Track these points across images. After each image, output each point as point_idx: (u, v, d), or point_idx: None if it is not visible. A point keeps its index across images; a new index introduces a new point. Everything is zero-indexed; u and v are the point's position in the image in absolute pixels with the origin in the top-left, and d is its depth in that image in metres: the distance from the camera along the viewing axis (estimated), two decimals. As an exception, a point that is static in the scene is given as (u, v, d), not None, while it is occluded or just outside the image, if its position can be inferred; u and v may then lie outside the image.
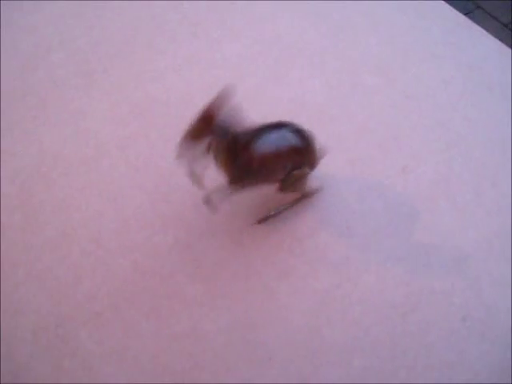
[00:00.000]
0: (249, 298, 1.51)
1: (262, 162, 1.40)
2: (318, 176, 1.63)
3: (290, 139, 1.41)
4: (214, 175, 1.45)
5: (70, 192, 1.72)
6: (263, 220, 1.58)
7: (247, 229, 1.59)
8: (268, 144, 1.39)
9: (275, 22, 2.02)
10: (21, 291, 1.59)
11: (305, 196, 1.59)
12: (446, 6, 2.05)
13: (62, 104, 1.87)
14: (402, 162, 1.69)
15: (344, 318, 1.47)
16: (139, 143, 1.78)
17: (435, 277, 1.51)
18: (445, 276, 1.51)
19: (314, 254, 1.56)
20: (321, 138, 1.56)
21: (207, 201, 1.51)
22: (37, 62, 1.95)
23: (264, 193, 1.56)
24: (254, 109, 1.79)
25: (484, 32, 2.03)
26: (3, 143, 1.81)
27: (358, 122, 1.77)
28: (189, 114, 1.76)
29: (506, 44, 1.98)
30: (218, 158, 1.40)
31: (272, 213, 1.58)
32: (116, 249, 1.62)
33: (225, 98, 1.28)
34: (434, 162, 1.68)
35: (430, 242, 1.56)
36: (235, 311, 1.50)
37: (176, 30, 1.98)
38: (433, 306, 1.47)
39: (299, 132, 1.44)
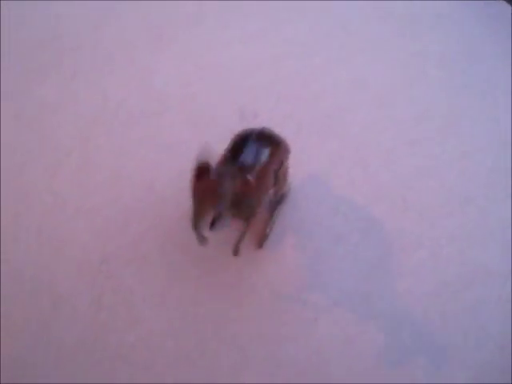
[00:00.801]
0: (300, 257, 1.49)
1: (258, 181, 1.35)
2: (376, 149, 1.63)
3: (263, 145, 1.38)
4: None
5: (129, 141, 1.74)
6: (263, 240, 1.53)
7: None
8: (250, 163, 1.35)
9: (342, 10, 2.05)
10: (69, 226, 1.59)
11: (280, 200, 1.56)
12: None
13: (130, 60, 1.91)
14: (461, 147, 1.68)
15: (394, 289, 1.44)
16: (200, 102, 1.80)
17: (490, 259, 1.48)
18: (501, 259, 1.47)
19: (367, 223, 1.54)
20: (380, 121, 1.58)
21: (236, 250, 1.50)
22: (108, 20, 2.01)
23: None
24: (315, 89, 1.83)
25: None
26: (67, 89, 1.85)
27: (417, 109, 1.77)
28: (250, 83, 1.81)
29: None
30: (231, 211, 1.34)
31: (268, 230, 1.54)
32: (168, 198, 1.62)
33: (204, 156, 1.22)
34: (494, 150, 1.67)
35: (485, 225, 1.53)
36: (286, 270, 1.48)
37: (245, 6, 2.03)
38: (487, 288, 1.43)
39: (264, 135, 1.41)
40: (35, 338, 1.42)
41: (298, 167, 1.57)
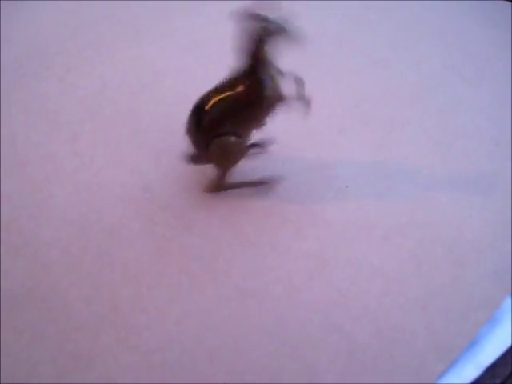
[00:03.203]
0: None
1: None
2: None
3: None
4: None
5: (136, 107, 1.93)
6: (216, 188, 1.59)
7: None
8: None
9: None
10: (102, 173, 1.71)
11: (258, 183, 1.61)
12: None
13: (120, 44, 2.14)
14: (494, 136, 1.79)
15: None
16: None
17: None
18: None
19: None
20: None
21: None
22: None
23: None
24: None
25: None
26: (70, 75, 2.04)
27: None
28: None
29: None
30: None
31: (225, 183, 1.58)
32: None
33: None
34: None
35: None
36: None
37: None
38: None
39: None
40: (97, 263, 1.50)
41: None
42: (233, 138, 1.43)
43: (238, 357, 1.32)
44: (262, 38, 1.34)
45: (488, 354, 1.29)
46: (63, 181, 1.72)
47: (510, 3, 2.28)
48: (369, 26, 2.16)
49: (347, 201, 1.59)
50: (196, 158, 1.55)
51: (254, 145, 1.60)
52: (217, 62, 1.99)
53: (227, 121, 1.43)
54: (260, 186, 1.61)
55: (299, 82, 1.45)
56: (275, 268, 1.46)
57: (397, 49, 2.04)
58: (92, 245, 1.55)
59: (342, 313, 1.39)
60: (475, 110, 1.87)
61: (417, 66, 1.97)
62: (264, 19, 1.33)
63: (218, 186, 1.59)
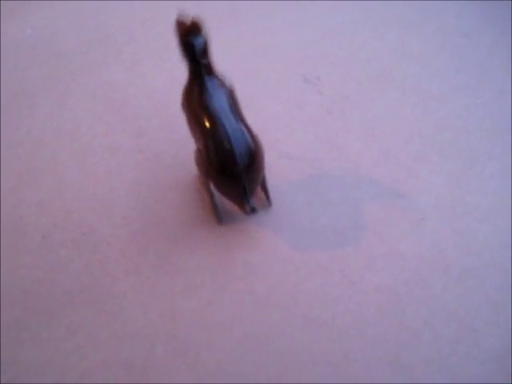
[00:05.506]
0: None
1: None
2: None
3: None
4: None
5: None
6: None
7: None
8: None
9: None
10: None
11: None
12: None
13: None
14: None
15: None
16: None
17: None
18: None
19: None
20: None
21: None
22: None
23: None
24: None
25: None
26: (138, 66, 1.97)
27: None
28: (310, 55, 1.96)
29: None
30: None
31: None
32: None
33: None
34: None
35: None
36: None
37: None
38: None
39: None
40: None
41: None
42: None
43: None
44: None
45: None
46: (125, 176, 1.67)
47: None
48: (453, 48, 2.05)
49: (423, 235, 1.50)
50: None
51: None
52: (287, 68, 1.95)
53: None
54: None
55: None
56: (345, 298, 1.38)
57: (479, 76, 1.94)
58: (153, 248, 1.49)
59: (413, 355, 1.30)
60: None
61: (500, 96, 1.86)
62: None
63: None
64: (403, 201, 1.58)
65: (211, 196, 1.50)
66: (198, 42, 1.38)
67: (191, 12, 1.43)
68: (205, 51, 1.40)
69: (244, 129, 1.38)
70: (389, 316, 1.36)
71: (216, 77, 1.44)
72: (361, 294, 1.39)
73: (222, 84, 1.43)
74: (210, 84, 1.41)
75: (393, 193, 1.60)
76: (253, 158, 1.37)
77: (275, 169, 1.64)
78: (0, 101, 1.92)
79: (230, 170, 1.34)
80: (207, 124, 1.37)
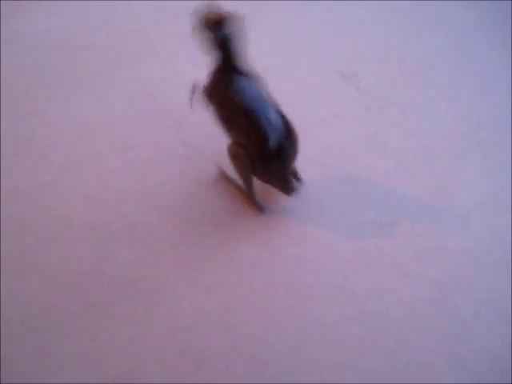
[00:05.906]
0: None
1: None
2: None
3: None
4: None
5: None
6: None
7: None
8: None
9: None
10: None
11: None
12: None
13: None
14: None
15: None
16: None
17: None
18: None
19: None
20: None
21: None
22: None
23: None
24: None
25: None
26: (172, 60, 1.97)
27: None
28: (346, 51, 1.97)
29: None
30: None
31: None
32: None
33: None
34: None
35: None
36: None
37: None
38: None
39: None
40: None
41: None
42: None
43: (356, 378, 1.26)
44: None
45: None
46: (170, 169, 1.67)
47: None
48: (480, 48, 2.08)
49: (468, 231, 1.53)
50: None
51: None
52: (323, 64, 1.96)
53: None
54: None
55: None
56: (398, 290, 1.40)
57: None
58: (204, 239, 1.50)
59: (466, 347, 1.32)
60: None
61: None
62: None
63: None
64: (448, 198, 1.60)
65: (251, 186, 1.51)
66: (227, 34, 1.38)
67: (224, 6, 1.43)
68: (234, 43, 1.40)
69: (280, 112, 1.42)
70: (441, 308, 1.37)
71: (244, 68, 1.44)
72: (412, 286, 1.41)
73: (251, 74, 1.45)
74: (239, 75, 1.42)
75: (435, 188, 1.62)
76: (293, 140, 1.42)
77: (317, 163, 1.66)
78: (37, 93, 1.91)
79: (277, 152, 1.39)
80: (245, 114, 1.38)
